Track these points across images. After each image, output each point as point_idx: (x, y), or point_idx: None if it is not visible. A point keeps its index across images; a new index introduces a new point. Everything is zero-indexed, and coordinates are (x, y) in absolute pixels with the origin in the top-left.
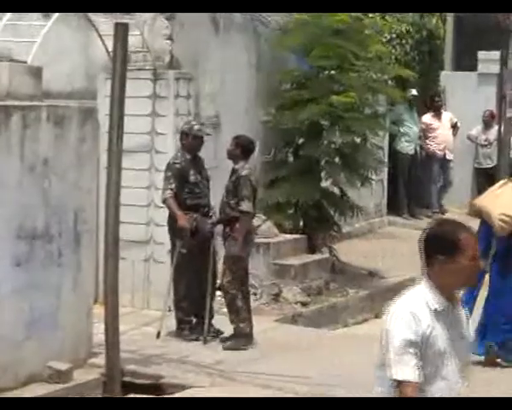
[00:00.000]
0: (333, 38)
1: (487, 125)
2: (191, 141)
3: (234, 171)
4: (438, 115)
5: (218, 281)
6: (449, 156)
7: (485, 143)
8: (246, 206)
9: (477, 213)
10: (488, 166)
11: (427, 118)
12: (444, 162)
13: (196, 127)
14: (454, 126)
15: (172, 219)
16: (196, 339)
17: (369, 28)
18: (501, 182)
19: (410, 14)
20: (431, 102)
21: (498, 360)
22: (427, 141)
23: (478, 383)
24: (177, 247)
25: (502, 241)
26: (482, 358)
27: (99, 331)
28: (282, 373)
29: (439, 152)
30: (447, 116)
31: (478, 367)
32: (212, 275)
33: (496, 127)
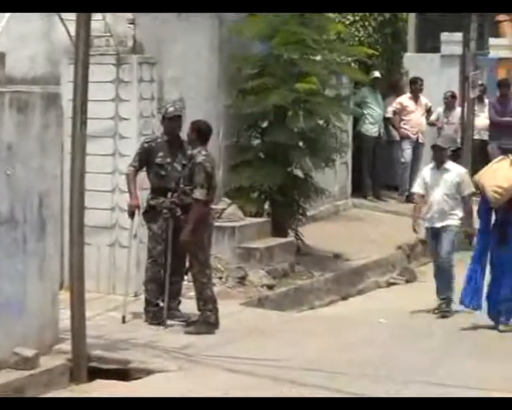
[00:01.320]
0: (295, 20)
1: (449, 106)
2: (166, 123)
3: (191, 156)
4: (415, 98)
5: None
6: (421, 140)
7: (448, 124)
8: (199, 193)
9: (478, 188)
10: (451, 147)
11: (405, 99)
12: (416, 145)
13: (170, 109)
14: (428, 111)
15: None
16: (159, 324)
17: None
18: (498, 158)
19: None
20: (412, 84)
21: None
22: (402, 124)
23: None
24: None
25: (499, 213)
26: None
27: (65, 317)
28: (249, 356)
29: (412, 135)
30: (424, 101)
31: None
32: (178, 259)
33: (458, 109)
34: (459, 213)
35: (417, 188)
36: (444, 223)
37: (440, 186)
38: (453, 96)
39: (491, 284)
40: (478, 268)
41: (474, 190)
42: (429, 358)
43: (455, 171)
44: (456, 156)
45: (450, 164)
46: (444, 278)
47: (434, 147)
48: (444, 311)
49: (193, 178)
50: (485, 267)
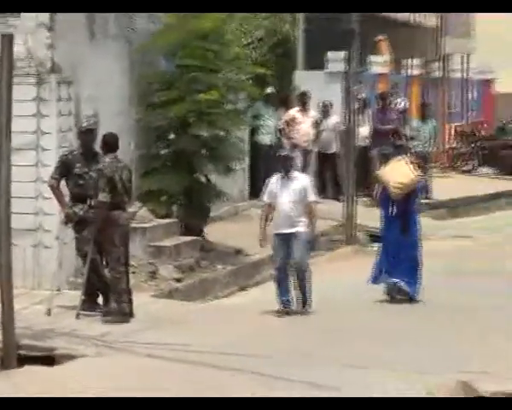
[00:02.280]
0: (198, 40)
1: (325, 115)
2: (81, 136)
3: (98, 166)
4: (304, 110)
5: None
6: (309, 148)
7: (325, 130)
8: (100, 196)
9: (380, 182)
10: (328, 151)
11: (294, 112)
12: (306, 154)
13: (84, 124)
14: (316, 124)
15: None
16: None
17: (230, 33)
18: (396, 158)
19: (266, 21)
20: (301, 98)
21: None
22: (292, 134)
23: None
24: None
25: (399, 204)
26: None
27: None
28: (162, 342)
29: (302, 144)
30: (312, 114)
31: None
32: (101, 256)
33: (334, 116)
34: (305, 219)
35: (265, 197)
36: (292, 230)
37: (287, 194)
38: (328, 106)
39: (393, 265)
40: (384, 251)
41: (316, 197)
42: (321, 340)
43: (301, 179)
44: (331, 158)
45: (296, 173)
46: (304, 278)
47: (281, 156)
48: (301, 309)
49: (98, 184)
50: (387, 251)
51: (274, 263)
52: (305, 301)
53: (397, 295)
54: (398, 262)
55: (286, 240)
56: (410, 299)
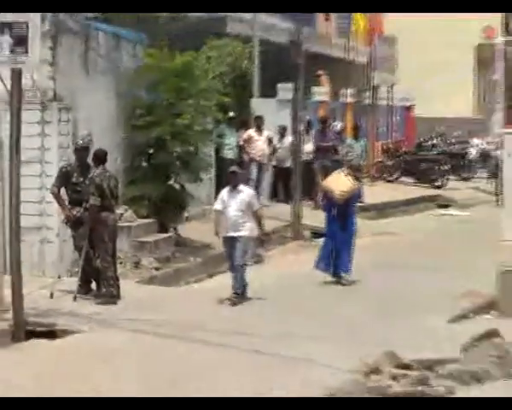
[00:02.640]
0: (172, 77)
1: (283, 135)
2: (76, 152)
3: (90, 175)
4: (259, 131)
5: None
6: (264, 161)
7: (281, 148)
8: (92, 200)
9: (324, 190)
10: (283, 166)
11: (252, 132)
12: (261, 166)
13: (79, 142)
14: (269, 141)
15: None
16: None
17: (199, 68)
18: (337, 171)
19: (228, 59)
20: (255, 121)
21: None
22: (249, 150)
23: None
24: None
25: (340, 207)
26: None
27: (8, 294)
28: (145, 319)
29: (257, 158)
30: (266, 133)
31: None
32: (92, 249)
33: (288, 137)
34: (249, 224)
35: (217, 206)
36: (237, 233)
37: (234, 204)
38: (284, 129)
39: (335, 256)
40: (328, 245)
41: (260, 206)
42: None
43: (246, 192)
44: (285, 171)
45: (242, 187)
46: (239, 275)
47: (231, 173)
48: (234, 299)
49: (90, 190)
50: (331, 244)
51: (226, 259)
52: (237, 293)
53: (336, 279)
54: (338, 253)
55: (232, 241)
56: (346, 281)
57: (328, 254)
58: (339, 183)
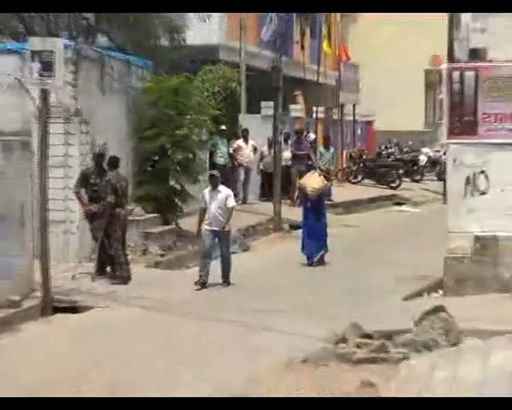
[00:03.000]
0: (171, 95)
1: (270, 146)
2: (94, 158)
3: (106, 177)
4: (246, 141)
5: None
6: (250, 166)
7: (269, 155)
8: (109, 198)
9: (300, 187)
10: (268, 170)
11: (240, 142)
12: (247, 171)
13: (97, 150)
14: (255, 149)
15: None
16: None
17: (195, 88)
18: (310, 172)
19: (220, 81)
20: (243, 133)
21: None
22: (238, 157)
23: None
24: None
25: (314, 201)
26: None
27: (37, 275)
28: (153, 297)
29: (244, 164)
30: (251, 142)
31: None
32: (107, 239)
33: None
34: (227, 219)
35: (201, 204)
36: (219, 227)
37: (215, 202)
38: (271, 140)
39: (310, 242)
40: (304, 233)
41: (234, 203)
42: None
43: (224, 192)
44: (270, 175)
45: (221, 187)
46: (225, 263)
47: (211, 176)
48: (224, 284)
49: (106, 190)
50: (307, 232)
51: (203, 248)
52: (226, 280)
53: (313, 261)
54: (314, 240)
55: (213, 234)
56: (320, 263)
57: (305, 241)
58: (311, 181)
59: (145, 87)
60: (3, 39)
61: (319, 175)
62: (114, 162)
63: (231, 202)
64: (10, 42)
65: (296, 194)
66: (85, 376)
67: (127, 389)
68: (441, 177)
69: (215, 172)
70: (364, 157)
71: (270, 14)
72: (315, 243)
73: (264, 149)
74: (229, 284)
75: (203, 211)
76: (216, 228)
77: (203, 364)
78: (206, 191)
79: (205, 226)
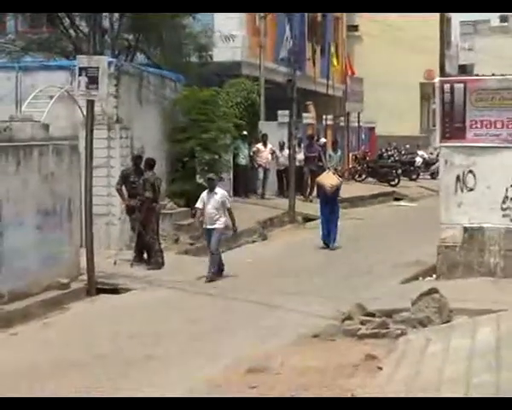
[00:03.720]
0: (201, 104)
1: (282, 148)
2: (133, 160)
3: (144, 176)
4: (265, 144)
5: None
6: (268, 167)
7: (282, 157)
8: (147, 193)
9: (318, 184)
10: (282, 168)
11: (259, 145)
12: (266, 170)
13: (135, 153)
14: (273, 153)
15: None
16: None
17: (221, 99)
18: (326, 171)
19: (243, 93)
20: (262, 138)
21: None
22: (258, 158)
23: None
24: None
25: (330, 197)
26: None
27: (83, 261)
28: (180, 281)
29: (263, 165)
30: (269, 146)
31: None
32: (144, 229)
33: (286, 150)
34: (223, 219)
35: (198, 204)
36: (213, 226)
37: (211, 203)
38: (283, 143)
39: (327, 230)
40: (323, 224)
41: (230, 205)
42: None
43: (220, 193)
44: (283, 173)
45: (218, 189)
46: (214, 259)
47: (209, 179)
48: (210, 277)
49: (144, 187)
50: (324, 222)
51: (207, 245)
52: (213, 272)
53: (329, 245)
54: (329, 228)
55: (209, 232)
56: (332, 247)
57: (324, 230)
58: (329, 179)
59: (180, 97)
60: (55, 57)
61: (334, 174)
62: (151, 163)
63: (228, 203)
64: (61, 59)
65: (309, 190)
66: (122, 348)
67: (156, 362)
68: (434, 176)
69: (212, 175)
70: (368, 159)
71: (286, 34)
72: (329, 232)
73: (277, 150)
74: (212, 276)
75: (200, 211)
76: (210, 226)
77: (224, 339)
78: (204, 194)
79: (203, 226)
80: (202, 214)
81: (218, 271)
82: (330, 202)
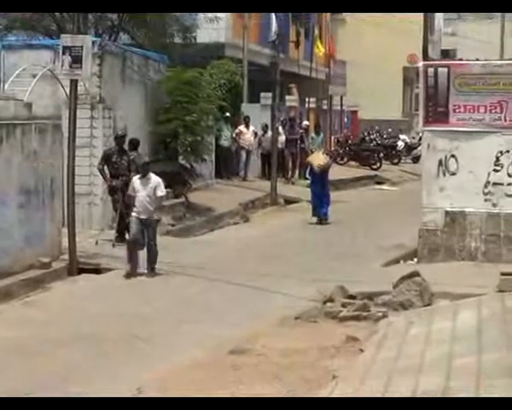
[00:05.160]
0: (184, 85)
1: (265, 131)
2: (115, 140)
3: (130, 157)
4: (247, 127)
5: None
6: (250, 149)
7: (265, 141)
8: (132, 174)
9: (308, 163)
10: (265, 152)
11: (242, 128)
12: (248, 153)
13: (118, 132)
14: (255, 134)
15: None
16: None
17: (204, 80)
18: (316, 152)
19: (226, 75)
20: (244, 120)
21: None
22: (240, 141)
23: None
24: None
25: (319, 174)
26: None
27: (65, 241)
28: (164, 261)
29: (246, 147)
30: (252, 128)
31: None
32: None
33: (269, 132)
34: (155, 208)
35: (130, 191)
36: (147, 216)
37: (144, 190)
38: (266, 126)
39: (318, 205)
40: (314, 199)
41: (164, 193)
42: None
43: (154, 180)
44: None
45: (151, 175)
46: (151, 251)
47: (141, 164)
48: (151, 273)
49: (130, 168)
50: (315, 199)
51: (130, 236)
52: (152, 268)
53: (320, 220)
54: (321, 203)
55: (141, 223)
56: (326, 221)
57: (315, 204)
58: (318, 159)
59: (164, 78)
60: (38, 36)
61: (323, 154)
62: (135, 144)
63: (161, 192)
64: (44, 38)
65: (290, 173)
66: (106, 328)
67: (140, 342)
68: (416, 160)
69: (147, 159)
70: (350, 142)
71: (273, 17)
72: (321, 206)
73: (260, 133)
74: (153, 271)
75: (132, 198)
76: (143, 216)
77: (207, 321)
78: (136, 179)
79: (133, 213)
80: (133, 203)
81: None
82: (320, 180)
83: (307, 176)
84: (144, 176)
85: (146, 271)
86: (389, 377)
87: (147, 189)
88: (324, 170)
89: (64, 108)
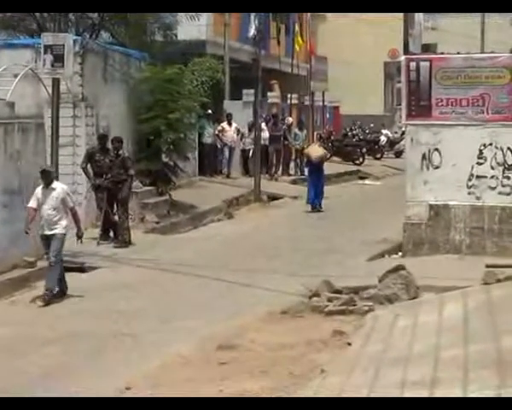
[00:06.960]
0: (165, 83)
1: (250, 129)
2: (98, 139)
3: (117, 154)
4: (229, 124)
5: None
6: (233, 146)
7: (249, 137)
8: (131, 171)
9: (306, 155)
10: (247, 148)
11: (224, 125)
12: (231, 150)
13: (101, 131)
14: (238, 131)
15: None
16: (101, 243)
17: (186, 78)
18: (313, 143)
19: (208, 72)
20: (227, 117)
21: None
22: (223, 138)
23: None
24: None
25: (315, 165)
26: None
27: None
28: (147, 258)
29: (228, 144)
30: (234, 125)
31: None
32: (123, 206)
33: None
34: (64, 222)
35: (31, 203)
36: (52, 232)
37: (48, 201)
38: (252, 124)
39: (313, 195)
40: (310, 189)
41: (73, 204)
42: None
43: (59, 188)
44: (248, 152)
45: (56, 183)
46: (53, 272)
47: (43, 172)
48: (46, 298)
49: (125, 165)
50: (311, 188)
51: (44, 255)
52: (48, 288)
53: (316, 207)
54: (316, 192)
55: (47, 239)
56: (320, 209)
57: (311, 193)
58: (314, 150)
59: (142, 76)
60: (19, 35)
61: (319, 146)
62: (117, 142)
63: (70, 202)
64: (25, 37)
65: (274, 169)
66: (93, 326)
67: (128, 339)
68: (398, 155)
69: (48, 166)
70: (332, 138)
71: (253, 14)
72: (316, 196)
73: (245, 131)
74: (51, 294)
75: (33, 212)
76: (48, 232)
77: (194, 316)
78: (39, 189)
79: (39, 232)
80: (34, 217)
81: (59, 292)
82: (316, 170)
83: (304, 168)
84: (48, 185)
85: (42, 295)
86: (377, 369)
87: (51, 199)
88: (322, 161)
89: (46, 108)
